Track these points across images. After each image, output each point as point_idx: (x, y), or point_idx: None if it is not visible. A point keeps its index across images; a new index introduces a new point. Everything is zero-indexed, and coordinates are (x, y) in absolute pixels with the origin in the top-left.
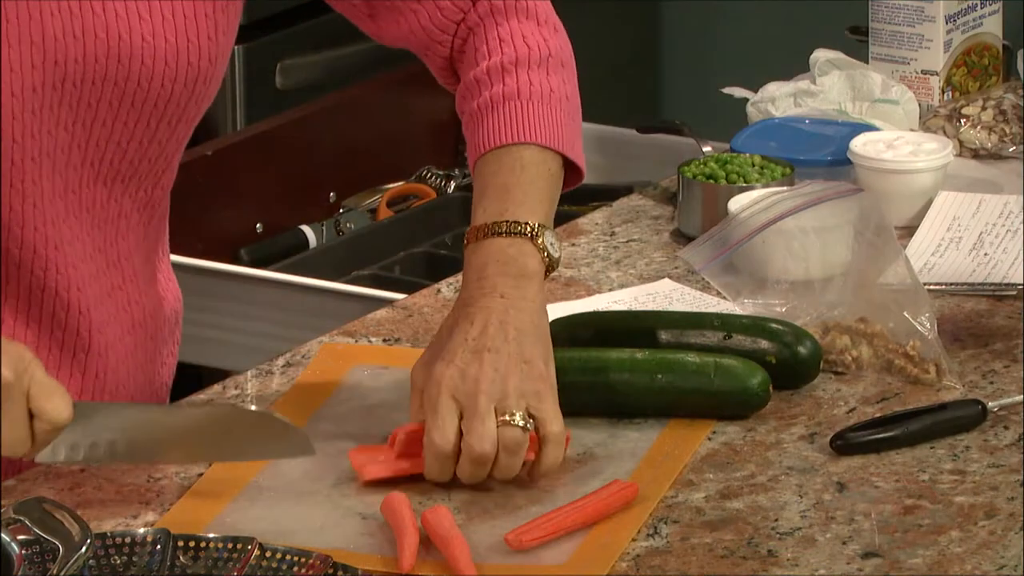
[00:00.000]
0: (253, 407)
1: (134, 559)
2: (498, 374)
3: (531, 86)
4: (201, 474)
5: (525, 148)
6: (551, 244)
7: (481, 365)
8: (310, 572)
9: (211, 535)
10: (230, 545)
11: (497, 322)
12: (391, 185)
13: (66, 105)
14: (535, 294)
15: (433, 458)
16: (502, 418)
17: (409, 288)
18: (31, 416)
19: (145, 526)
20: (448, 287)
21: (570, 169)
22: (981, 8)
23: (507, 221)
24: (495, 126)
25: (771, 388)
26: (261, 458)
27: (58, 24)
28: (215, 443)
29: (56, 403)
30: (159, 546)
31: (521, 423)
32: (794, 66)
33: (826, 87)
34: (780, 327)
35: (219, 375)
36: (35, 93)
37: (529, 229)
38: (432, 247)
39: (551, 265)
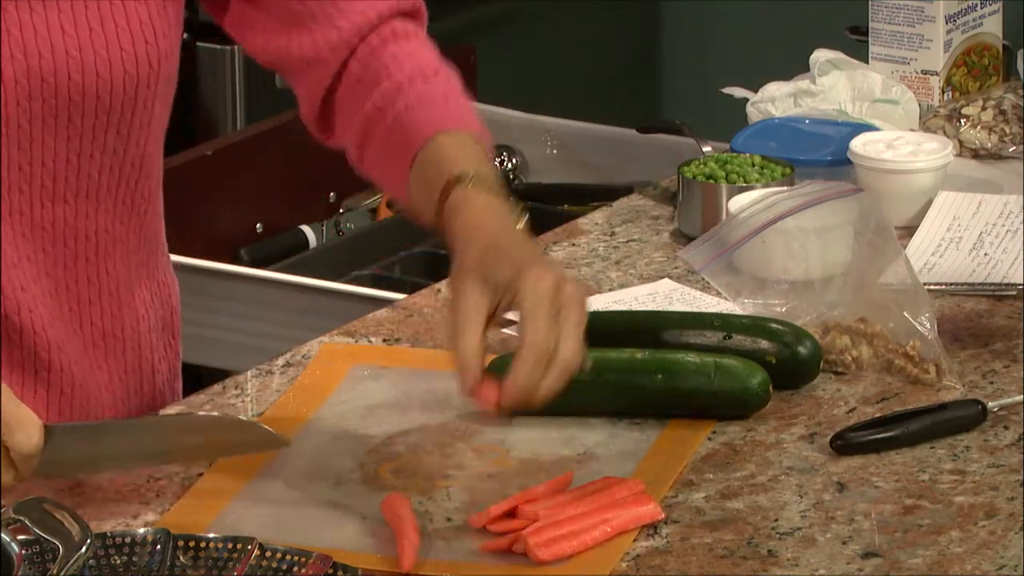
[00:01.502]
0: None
1: (134, 559)
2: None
3: (457, 87)
4: (201, 474)
5: (469, 135)
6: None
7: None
8: (310, 572)
9: (211, 535)
10: (230, 545)
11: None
12: None
13: None
14: None
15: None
16: None
17: (409, 288)
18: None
19: (145, 526)
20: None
21: None
22: (981, 8)
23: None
24: (446, 113)
25: (771, 388)
26: (238, 454)
27: None
28: (191, 447)
29: (25, 433)
30: (159, 546)
31: None
32: (794, 66)
33: (826, 87)
34: (780, 327)
35: (219, 375)
36: None
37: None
38: (432, 247)
39: None
